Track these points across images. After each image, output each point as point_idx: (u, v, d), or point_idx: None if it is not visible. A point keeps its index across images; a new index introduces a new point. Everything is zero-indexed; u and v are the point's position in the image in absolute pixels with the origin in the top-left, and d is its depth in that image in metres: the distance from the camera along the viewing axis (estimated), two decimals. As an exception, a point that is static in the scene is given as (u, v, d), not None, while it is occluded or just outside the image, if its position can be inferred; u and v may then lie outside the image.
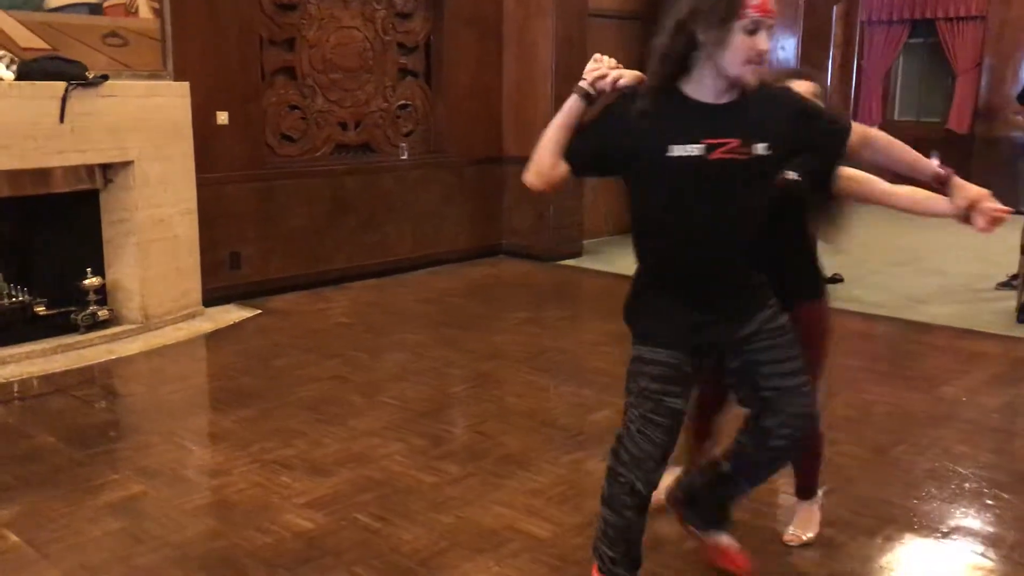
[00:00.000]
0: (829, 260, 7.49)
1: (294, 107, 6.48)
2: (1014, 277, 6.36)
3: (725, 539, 2.78)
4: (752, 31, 2.16)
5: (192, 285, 5.65)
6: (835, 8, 9.07)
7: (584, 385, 4.63)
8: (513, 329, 5.65)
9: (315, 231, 6.54)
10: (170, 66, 5.57)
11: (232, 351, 5.15)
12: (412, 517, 3.15)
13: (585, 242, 8.01)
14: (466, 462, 3.63)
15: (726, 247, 2.35)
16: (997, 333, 5.61)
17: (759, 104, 2.26)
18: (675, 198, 2.30)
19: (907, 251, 8.21)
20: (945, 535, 3.09)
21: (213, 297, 5.89)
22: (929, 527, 3.14)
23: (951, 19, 10.87)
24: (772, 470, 2.61)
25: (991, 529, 3.14)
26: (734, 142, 2.22)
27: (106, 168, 5.18)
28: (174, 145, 5.40)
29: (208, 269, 5.82)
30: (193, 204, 5.59)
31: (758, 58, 2.18)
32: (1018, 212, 6.68)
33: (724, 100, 2.25)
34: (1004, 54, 10.48)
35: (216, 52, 5.84)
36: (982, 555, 2.96)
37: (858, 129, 2.45)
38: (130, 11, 5.38)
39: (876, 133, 2.51)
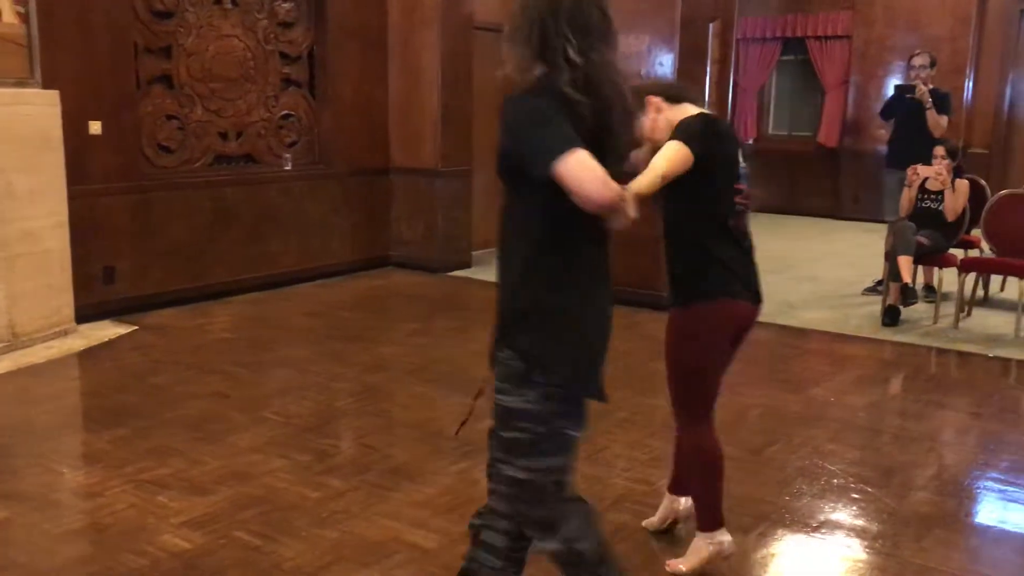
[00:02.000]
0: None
1: (171, 117, 6.30)
2: (879, 283, 6.70)
3: None
4: None
5: (64, 301, 5.42)
6: (711, 26, 9.40)
7: (472, 395, 4.63)
8: (401, 341, 5.63)
9: (195, 244, 6.37)
10: (38, 74, 5.33)
11: (107, 369, 4.96)
12: (295, 533, 3.10)
13: (475, 253, 8.05)
14: (351, 476, 3.59)
15: None
16: (864, 336, 5.90)
17: None
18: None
19: (782, 259, 8.55)
20: (815, 529, 3.23)
21: (87, 313, 5.66)
22: (800, 522, 3.28)
23: (820, 38, 11.40)
24: None
25: (858, 522, 3.30)
26: None
27: (-33, 179, 4.94)
28: (43, 155, 5.18)
29: (81, 284, 5.60)
30: (64, 217, 5.37)
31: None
32: (882, 221, 7.08)
33: None
34: (868, 72, 11.05)
35: (87, 59, 5.64)
36: (849, 547, 3.11)
37: None
38: (-7, 15, 5.14)
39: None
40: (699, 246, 2.77)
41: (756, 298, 2.87)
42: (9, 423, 4.25)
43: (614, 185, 2.01)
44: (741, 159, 2.79)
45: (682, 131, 2.68)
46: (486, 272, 7.70)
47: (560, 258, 2.14)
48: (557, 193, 1.99)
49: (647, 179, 2.59)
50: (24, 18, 5.26)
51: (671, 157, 2.62)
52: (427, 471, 3.65)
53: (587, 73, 2.08)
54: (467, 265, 7.87)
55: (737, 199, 2.77)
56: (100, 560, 2.91)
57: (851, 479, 3.65)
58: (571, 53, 2.07)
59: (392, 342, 5.59)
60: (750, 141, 12.11)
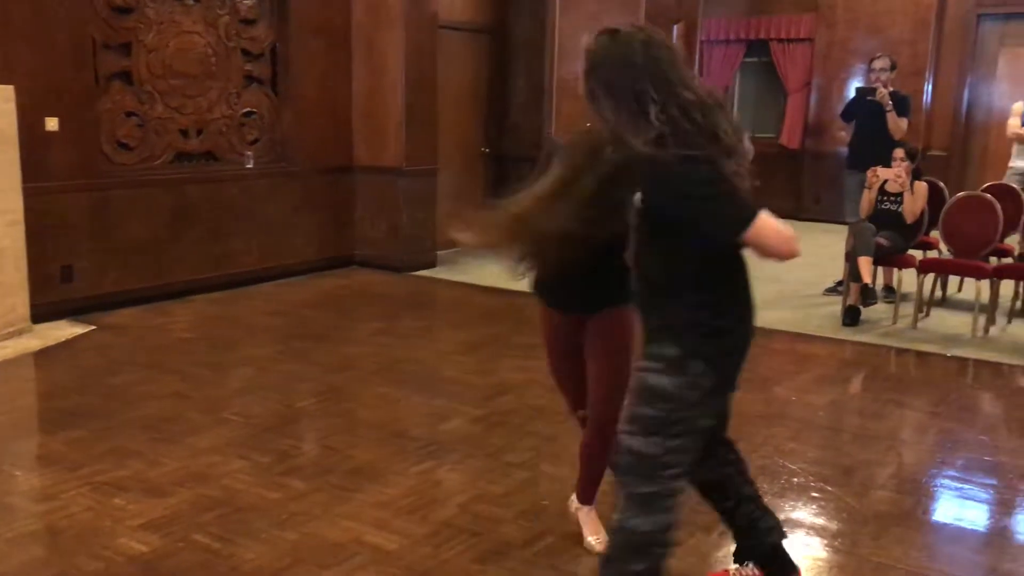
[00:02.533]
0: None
1: (131, 114, 6.20)
2: (840, 283, 6.78)
3: None
4: None
5: (19, 300, 5.32)
6: (675, 27, 9.46)
7: (437, 395, 4.63)
8: (365, 340, 5.60)
9: (155, 242, 6.28)
10: (-8, 68, 5.24)
11: (63, 369, 4.88)
12: (254, 535, 3.06)
13: (440, 252, 8.02)
14: (313, 477, 3.56)
15: None
16: (825, 336, 5.96)
17: None
18: None
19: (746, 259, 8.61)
20: (776, 528, 3.25)
21: (44, 313, 5.57)
22: (761, 521, 3.29)
23: (783, 40, 11.52)
24: None
25: (817, 520, 3.33)
26: None
27: (-81, 176, 4.83)
28: (-3, 152, 5.08)
29: (37, 283, 5.50)
30: (19, 215, 5.27)
31: None
32: (843, 222, 7.16)
33: None
34: (830, 75, 11.18)
35: (44, 55, 5.54)
36: (809, 545, 3.14)
37: None
38: (-54, 8, 5.04)
39: None
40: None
41: None
42: (-39, 425, 4.17)
43: (795, 239, 2.23)
44: None
45: None
46: (451, 272, 7.68)
47: (718, 292, 2.39)
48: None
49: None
50: (-22, 11, 5.16)
51: None
52: (389, 472, 3.62)
53: (698, 124, 2.15)
54: (432, 265, 7.85)
55: None
56: (55, 564, 2.85)
57: (811, 478, 3.68)
58: (673, 112, 2.14)
59: (356, 342, 5.56)
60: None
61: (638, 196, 2.26)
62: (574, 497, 3.16)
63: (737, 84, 12.30)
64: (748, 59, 12.01)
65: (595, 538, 3.04)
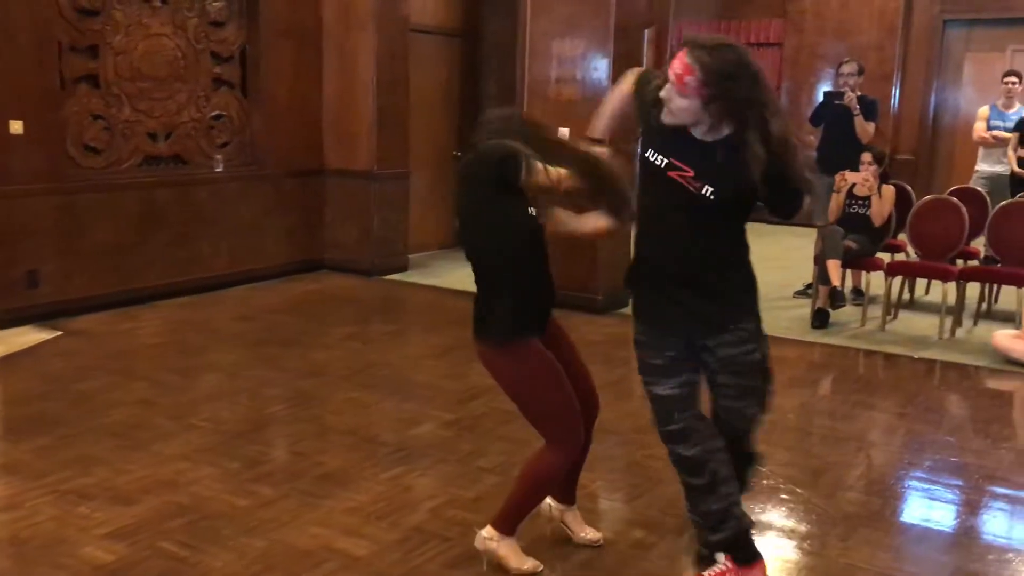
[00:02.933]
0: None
1: (98, 117, 6.13)
2: (809, 286, 6.83)
3: None
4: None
5: (-18, 306, 5.24)
6: (646, 32, 9.49)
7: (407, 399, 4.61)
8: (336, 345, 5.56)
9: (122, 247, 6.21)
10: (-46, 70, 5.16)
11: (28, 375, 4.81)
12: (223, 543, 3.03)
13: (411, 256, 8.00)
14: (281, 483, 3.53)
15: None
16: (794, 338, 6.01)
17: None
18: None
19: (716, 263, 8.66)
20: (745, 530, 3.26)
21: (8, 319, 5.49)
22: (731, 523, 3.31)
23: (751, 44, 11.59)
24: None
25: (787, 522, 3.35)
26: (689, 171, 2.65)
27: None
28: (-40, 155, 5.00)
29: (2, 289, 5.43)
30: (-18, 219, 5.19)
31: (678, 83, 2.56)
32: (811, 226, 7.22)
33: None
34: (799, 79, 11.29)
35: (7, 57, 5.46)
36: (779, 547, 3.16)
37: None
38: (-94, 9, 4.95)
39: None
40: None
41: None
42: (-78, 433, 4.10)
43: None
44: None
45: None
46: (422, 276, 7.66)
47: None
48: None
49: None
50: (-60, 12, 5.08)
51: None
52: (359, 478, 3.60)
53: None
54: (403, 268, 7.81)
55: None
56: (18, 574, 2.80)
57: (781, 480, 3.71)
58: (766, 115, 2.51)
59: (326, 347, 5.52)
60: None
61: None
62: (552, 502, 3.13)
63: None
64: (718, 63, 12.08)
65: (587, 532, 3.07)
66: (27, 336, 5.42)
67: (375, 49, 7.35)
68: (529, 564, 2.89)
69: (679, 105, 2.55)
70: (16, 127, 5.53)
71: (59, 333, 5.52)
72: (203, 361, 5.17)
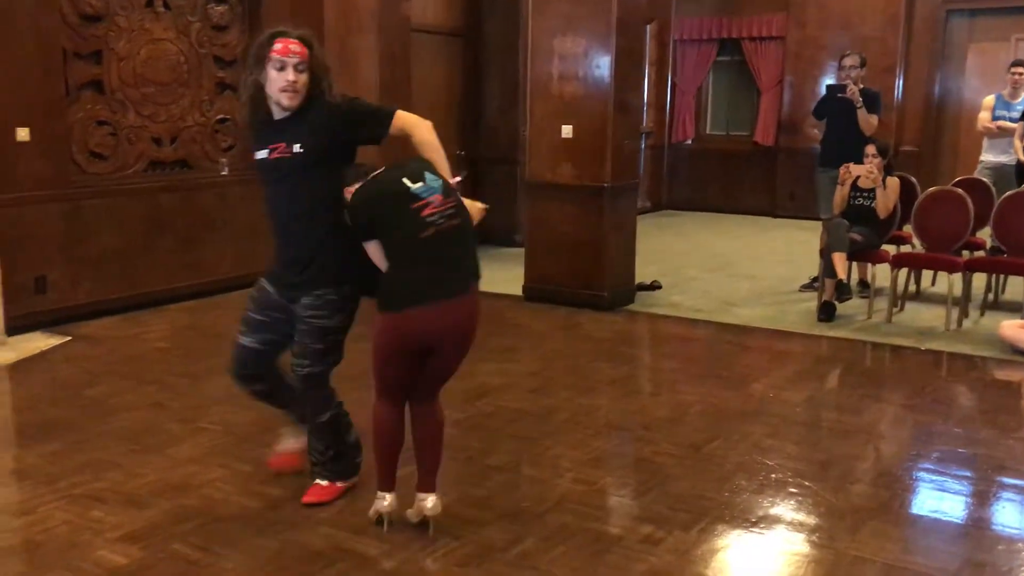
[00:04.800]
0: (648, 268, 7.86)
1: (103, 122, 6.16)
2: (815, 279, 6.83)
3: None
4: (280, 68, 3.00)
5: (-8, 313, 5.27)
6: (648, 27, 9.50)
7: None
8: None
9: (129, 252, 6.24)
10: (-40, 79, 5.19)
11: (39, 381, 4.84)
12: (235, 544, 3.05)
13: (415, 256, 8.00)
14: (291, 484, 3.54)
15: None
16: (801, 332, 6.01)
17: (306, 114, 3.07)
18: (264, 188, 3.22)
19: (721, 257, 8.67)
20: (754, 524, 3.27)
21: (17, 325, 5.52)
22: (740, 517, 3.32)
23: (755, 39, 11.60)
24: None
25: (796, 515, 3.35)
26: (281, 144, 3.06)
27: None
28: (-34, 163, 5.03)
29: (10, 295, 5.45)
30: (-9, 226, 5.22)
31: (289, 86, 3.01)
32: (817, 219, 7.22)
33: (284, 115, 3.09)
34: (802, 72, 11.27)
35: (12, 65, 5.49)
36: (788, 540, 3.16)
37: (405, 118, 3.21)
38: (-89, 19, 4.98)
39: (419, 127, 3.22)
40: None
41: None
42: (-65, 440, 4.13)
43: None
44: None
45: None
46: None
47: None
48: None
49: None
50: (-55, 22, 5.11)
51: None
52: (368, 478, 3.59)
53: None
54: (409, 268, 7.82)
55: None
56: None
57: (789, 473, 3.72)
58: None
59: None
60: (688, 141, 12.26)
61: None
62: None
63: (710, 82, 12.37)
64: (721, 58, 12.09)
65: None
66: (36, 342, 5.45)
67: (377, 51, 7.36)
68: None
69: (303, 81, 3.03)
70: (23, 134, 5.56)
71: (68, 338, 5.55)
72: (210, 365, 5.17)
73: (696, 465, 3.80)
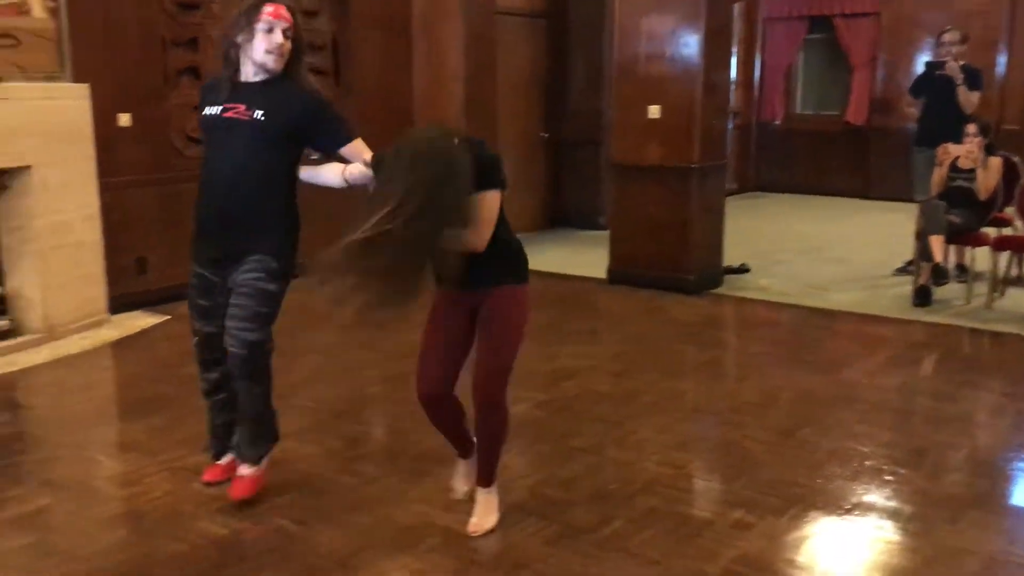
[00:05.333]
0: (735, 251, 7.73)
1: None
2: (910, 263, 6.64)
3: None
4: (269, 30, 2.99)
5: (97, 292, 5.49)
6: (736, 5, 9.31)
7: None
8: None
9: (224, 234, 6.41)
10: (68, 68, 5.40)
11: (140, 359, 5.04)
12: (329, 519, 3.13)
13: (500, 239, 8.04)
14: (383, 461, 3.63)
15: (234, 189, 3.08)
16: (895, 317, 5.85)
17: (278, 89, 3.06)
18: (206, 147, 3.19)
19: (810, 240, 8.48)
20: (848, 511, 3.22)
21: (120, 304, 5.74)
22: (833, 504, 3.27)
23: (847, 15, 11.26)
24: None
25: (890, 503, 3.28)
26: (241, 106, 3.03)
27: (1, 173, 5.00)
28: (74, 149, 5.24)
29: (114, 275, 5.67)
30: (95, 209, 5.43)
31: (276, 48, 3.01)
32: (912, 201, 7.00)
33: (254, 79, 3.07)
34: (897, 49, 10.91)
35: (116, 53, 5.69)
36: (882, 528, 3.10)
37: (360, 147, 3.20)
38: (22, 11, 5.20)
39: (363, 157, 3.11)
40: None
41: None
42: (47, 413, 4.34)
43: None
44: None
45: None
46: (513, 258, 7.70)
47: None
48: None
49: None
50: (55, 13, 5.32)
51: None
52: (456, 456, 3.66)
53: None
54: (494, 251, 7.86)
55: None
56: (139, 546, 2.96)
57: (883, 461, 3.63)
58: None
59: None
60: (776, 121, 12.00)
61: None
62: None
63: (800, 61, 12.08)
64: (811, 35, 11.77)
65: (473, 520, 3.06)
66: (138, 320, 5.67)
67: (463, 35, 7.41)
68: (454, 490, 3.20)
69: (288, 48, 3.04)
70: (124, 120, 5.77)
71: (167, 317, 5.76)
72: (302, 343, 5.31)
73: (786, 451, 3.74)
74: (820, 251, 7.98)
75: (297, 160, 3.22)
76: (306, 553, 2.91)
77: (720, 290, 6.61)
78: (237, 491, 3.20)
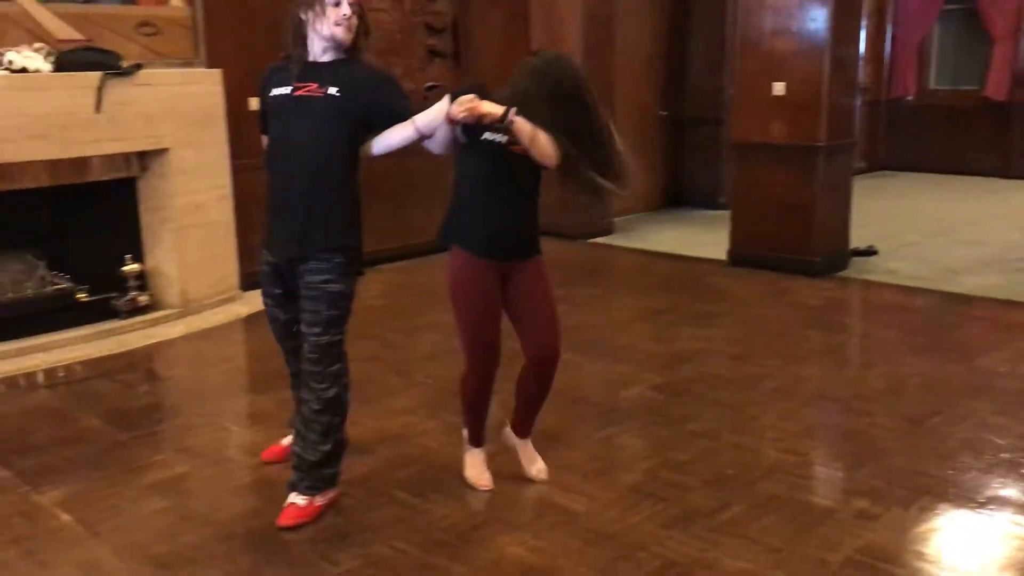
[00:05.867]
0: (863, 232, 7.46)
1: (324, 91, 6.52)
2: (1053, 246, 6.27)
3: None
4: (336, 3, 2.92)
5: (229, 269, 5.74)
6: (867, -24, 8.93)
7: (616, 362, 4.65)
8: (546, 307, 5.66)
9: (348, 214, 6.59)
10: (203, 53, 5.64)
11: (268, 333, 5.18)
12: (448, 493, 3.20)
13: (616, 219, 8.00)
14: (495, 437, 3.66)
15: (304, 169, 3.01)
16: (1036, 303, 5.54)
17: (348, 67, 3.00)
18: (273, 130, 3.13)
19: (944, 221, 8.11)
20: (981, 505, 3.08)
21: (251, 281, 5.96)
22: (965, 497, 3.13)
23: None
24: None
25: (1029, 499, 3.12)
26: (313, 84, 2.96)
27: (142, 156, 5.27)
28: (208, 132, 5.47)
29: (245, 253, 5.89)
30: (228, 190, 5.66)
31: (344, 20, 2.94)
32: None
33: (324, 59, 3.01)
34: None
35: (247, 38, 5.90)
36: (1019, 524, 2.95)
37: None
38: (162, 0, 5.45)
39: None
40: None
41: None
42: (183, 384, 4.57)
43: None
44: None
45: None
46: (627, 239, 7.65)
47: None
48: None
49: None
50: (190, 1, 5.56)
51: None
52: (574, 436, 3.69)
53: None
54: (608, 232, 7.84)
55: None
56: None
57: (1021, 454, 3.46)
58: None
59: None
60: (909, 97, 11.48)
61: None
62: (509, 430, 3.35)
63: (936, 33, 11.50)
64: (949, 6, 11.19)
65: (535, 467, 3.28)
66: (267, 297, 5.88)
67: (582, 13, 7.36)
68: (475, 478, 3.23)
69: (355, 23, 2.98)
70: (255, 104, 5.90)
71: (294, 294, 5.96)
72: (422, 321, 5.43)
73: (915, 440, 3.61)
74: (954, 233, 7.61)
75: (360, 145, 3.09)
76: (426, 526, 2.98)
77: (846, 273, 6.40)
78: (285, 518, 3.00)
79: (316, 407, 3.02)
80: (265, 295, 3.27)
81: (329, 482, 3.10)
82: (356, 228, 3.16)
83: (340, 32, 2.95)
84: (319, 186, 3.01)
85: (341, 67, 3.00)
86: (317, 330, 3.03)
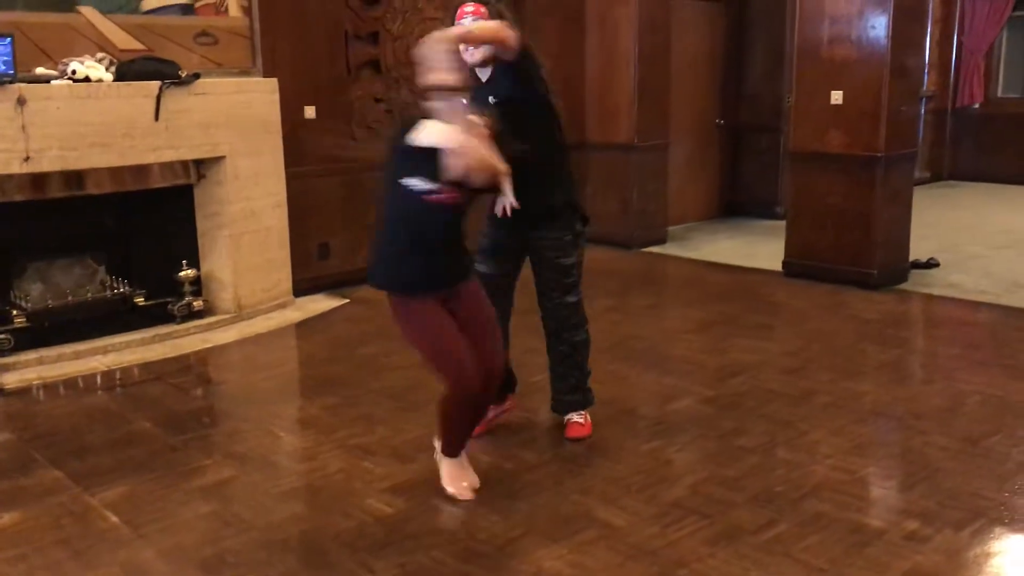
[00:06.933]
0: (924, 244, 7.29)
1: (379, 100, 6.58)
2: None
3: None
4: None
5: (283, 275, 5.82)
6: (931, -18, 8.72)
7: (666, 373, 4.60)
8: (595, 317, 5.56)
9: (400, 221, 6.63)
10: (259, 63, 5.73)
11: (320, 340, 5.29)
12: (489, 504, 3.19)
13: (670, 228, 7.93)
14: (544, 450, 3.65)
15: None
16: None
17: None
18: None
19: (1010, 234, 7.87)
20: (1040, 530, 2.97)
21: (303, 287, 6.06)
22: (1021, 521, 3.02)
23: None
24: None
25: (1091, 524, 3.00)
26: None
27: (199, 163, 5.37)
28: (264, 140, 5.56)
29: (298, 260, 5.98)
30: (283, 197, 5.74)
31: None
32: None
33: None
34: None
35: (303, 48, 5.99)
36: (1080, 551, 2.84)
37: None
38: (220, 10, 5.56)
39: None
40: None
41: None
42: (235, 389, 4.64)
43: None
44: None
45: None
46: (682, 248, 7.58)
47: None
48: None
49: None
50: (247, 11, 5.66)
51: None
52: (620, 448, 3.65)
53: None
54: (662, 241, 7.77)
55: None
56: (312, 520, 3.11)
57: (1086, 475, 3.33)
58: None
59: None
60: (976, 105, 11.19)
61: None
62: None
63: (1004, 40, 11.18)
64: (1017, 13, 10.87)
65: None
66: (319, 303, 5.96)
67: (637, 20, 7.32)
68: (455, 488, 3.23)
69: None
70: (310, 112, 6.07)
71: (346, 301, 6.02)
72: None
73: (972, 460, 3.49)
74: (1021, 245, 7.38)
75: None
76: (466, 537, 2.97)
77: (905, 286, 6.24)
78: (573, 431, 3.74)
79: (570, 354, 3.77)
80: (483, 256, 3.71)
81: (589, 402, 3.83)
82: (574, 209, 3.73)
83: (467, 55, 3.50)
84: (543, 177, 3.65)
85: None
86: (556, 295, 3.72)
